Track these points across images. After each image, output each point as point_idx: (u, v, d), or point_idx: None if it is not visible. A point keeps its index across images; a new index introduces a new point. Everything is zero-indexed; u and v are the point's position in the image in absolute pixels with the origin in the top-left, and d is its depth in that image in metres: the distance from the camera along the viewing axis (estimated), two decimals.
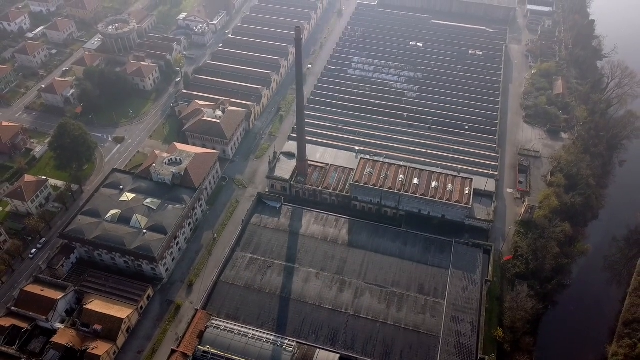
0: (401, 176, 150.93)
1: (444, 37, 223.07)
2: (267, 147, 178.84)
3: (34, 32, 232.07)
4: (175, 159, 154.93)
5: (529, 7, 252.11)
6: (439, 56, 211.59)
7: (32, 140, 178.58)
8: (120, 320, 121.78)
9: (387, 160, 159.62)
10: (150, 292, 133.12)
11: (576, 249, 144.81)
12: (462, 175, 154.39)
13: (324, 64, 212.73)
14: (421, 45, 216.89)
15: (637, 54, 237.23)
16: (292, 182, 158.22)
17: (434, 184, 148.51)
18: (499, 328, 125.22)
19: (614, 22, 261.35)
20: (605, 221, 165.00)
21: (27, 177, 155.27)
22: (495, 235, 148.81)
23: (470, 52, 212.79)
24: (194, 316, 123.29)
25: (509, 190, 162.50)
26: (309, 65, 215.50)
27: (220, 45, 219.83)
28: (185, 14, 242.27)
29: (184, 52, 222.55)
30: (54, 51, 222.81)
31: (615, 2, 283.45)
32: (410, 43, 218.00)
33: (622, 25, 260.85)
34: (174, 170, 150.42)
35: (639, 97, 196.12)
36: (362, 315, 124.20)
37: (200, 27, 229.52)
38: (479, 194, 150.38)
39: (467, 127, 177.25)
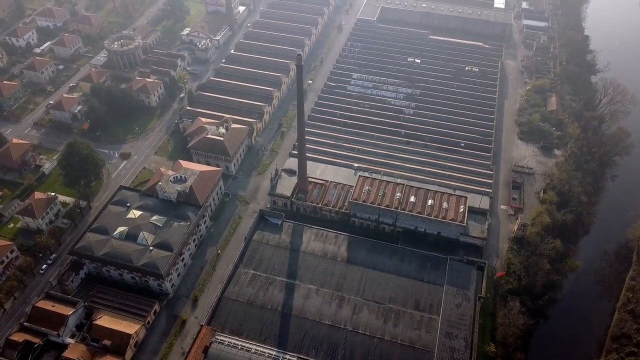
0: (398, 194, 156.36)
1: (441, 53, 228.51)
2: (268, 163, 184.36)
3: (41, 48, 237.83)
4: (180, 176, 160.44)
5: (525, 22, 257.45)
6: (436, 72, 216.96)
7: (41, 157, 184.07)
8: (129, 335, 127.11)
9: (384, 178, 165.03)
10: (156, 307, 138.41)
11: (567, 265, 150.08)
12: (457, 193, 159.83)
13: (324, 80, 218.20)
14: (419, 61, 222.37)
15: (630, 67, 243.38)
16: (293, 199, 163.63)
17: (430, 202, 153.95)
18: (491, 343, 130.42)
19: (608, 35, 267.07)
20: (597, 235, 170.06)
21: (37, 194, 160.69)
22: (489, 251, 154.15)
23: (466, 68, 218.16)
24: (199, 332, 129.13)
25: (502, 206, 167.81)
26: (310, 81, 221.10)
27: (223, 61, 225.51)
28: (189, 29, 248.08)
29: (188, 68, 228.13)
30: (61, 67, 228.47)
31: (610, 14, 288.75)
32: (409, 59, 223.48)
33: (616, 39, 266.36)
34: (179, 188, 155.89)
35: (630, 113, 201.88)
36: (360, 331, 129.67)
37: (204, 43, 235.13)
38: (473, 211, 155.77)
39: (463, 145, 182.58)
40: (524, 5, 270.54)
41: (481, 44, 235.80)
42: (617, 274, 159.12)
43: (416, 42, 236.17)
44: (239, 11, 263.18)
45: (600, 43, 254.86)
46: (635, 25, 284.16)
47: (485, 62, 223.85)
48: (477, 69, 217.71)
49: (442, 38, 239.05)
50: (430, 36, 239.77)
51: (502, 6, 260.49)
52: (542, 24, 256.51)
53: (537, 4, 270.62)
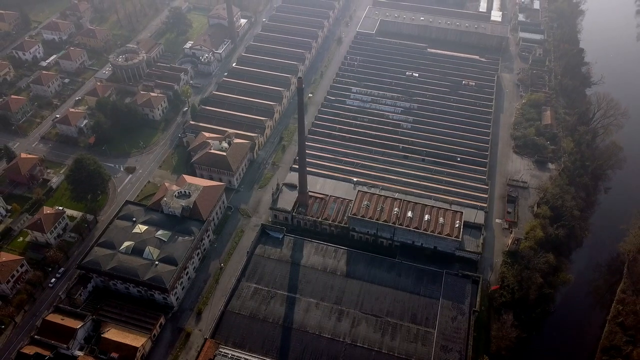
0: (396, 209, 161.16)
1: (439, 67, 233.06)
2: (270, 177, 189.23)
3: (47, 61, 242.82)
4: (185, 191, 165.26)
5: (521, 34, 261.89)
6: (434, 86, 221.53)
7: (48, 170, 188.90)
8: (136, 348, 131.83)
9: (382, 193, 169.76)
10: (162, 320, 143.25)
11: (559, 278, 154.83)
12: (453, 208, 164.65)
13: (324, 93, 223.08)
14: (417, 75, 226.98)
15: (624, 78, 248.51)
16: (293, 213, 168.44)
17: (426, 217, 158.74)
18: (485, 356, 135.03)
19: (603, 46, 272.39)
20: (590, 248, 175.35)
21: (46, 209, 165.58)
22: (484, 265, 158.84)
23: (463, 82, 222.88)
24: (203, 345, 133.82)
25: (497, 220, 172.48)
26: (310, 95, 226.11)
27: (225, 74, 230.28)
28: (192, 42, 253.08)
29: (191, 82, 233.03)
30: (66, 80, 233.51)
31: (605, 26, 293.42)
32: (407, 73, 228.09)
33: (611, 50, 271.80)
34: (183, 204, 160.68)
35: (623, 127, 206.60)
36: (358, 344, 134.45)
37: (206, 57, 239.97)
38: (468, 225, 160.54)
39: (459, 159, 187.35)
40: (521, 17, 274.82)
41: (478, 57, 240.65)
42: (609, 286, 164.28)
43: (414, 56, 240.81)
44: (241, 24, 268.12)
45: (595, 54, 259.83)
46: (630, 36, 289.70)
47: (482, 76, 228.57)
48: (473, 83, 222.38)
49: (439, 51, 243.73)
50: (428, 49, 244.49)
51: (499, 19, 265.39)
52: (538, 36, 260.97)
53: (533, 17, 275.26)
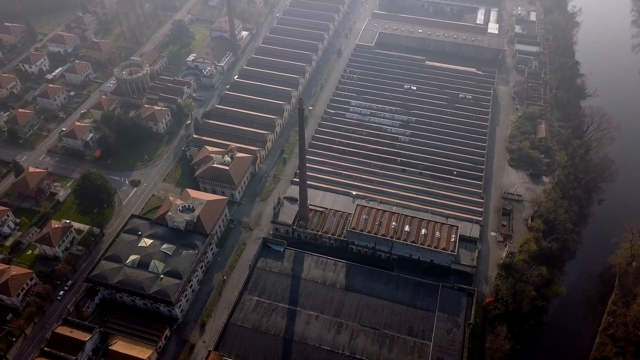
0: (394, 223, 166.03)
1: (436, 80, 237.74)
2: (271, 189, 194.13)
3: (53, 74, 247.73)
4: (189, 206, 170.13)
5: (518, 46, 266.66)
6: (432, 99, 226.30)
7: (55, 184, 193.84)
8: None
9: (381, 207, 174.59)
10: (167, 332, 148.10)
11: (552, 291, 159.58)
12: (449, 222, 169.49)
13: (324, 106, 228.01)
14: (415, 88, 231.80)
15: (618, 88, 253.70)
16: (294, 227, 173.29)
17: (423, 231, 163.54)
18: None
19: (598, 56, 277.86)
20: (582, 260, 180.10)
21: (54, 223, 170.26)
22: (479, 277, 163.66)
23: (460, 95, 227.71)
24: (207, 357, 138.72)
25: (492, 233, 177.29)
26: (310, 107, 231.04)
27: (227, 87, 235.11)
28: (194, 54, 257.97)
29: (194, 94, 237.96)
30: (72, 93, 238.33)
31: (600, 36, 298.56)
32: (405, 86, 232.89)
33: (605, 61, 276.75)
34: (187, 218, 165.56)
35: (616, 139, 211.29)
36: (357, 356, 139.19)
37: (209, 70, 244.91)
38: (464, 239, 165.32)
39: (455, 173, 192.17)
40: (517, 29, 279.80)
41: (474, 69, 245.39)
42: (600, 298, 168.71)
43: (412, 68, 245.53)
44: (242, 36, 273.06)
45: (590, 65, 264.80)
46: (625, 47, 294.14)
47: (478, 89, 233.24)
48: (470, 96, 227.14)
49: (437, 64, 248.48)
50: (426, 62, 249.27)
51: (496, 31, 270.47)
52: (534, 48, 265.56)
53: (529, 29, 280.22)
